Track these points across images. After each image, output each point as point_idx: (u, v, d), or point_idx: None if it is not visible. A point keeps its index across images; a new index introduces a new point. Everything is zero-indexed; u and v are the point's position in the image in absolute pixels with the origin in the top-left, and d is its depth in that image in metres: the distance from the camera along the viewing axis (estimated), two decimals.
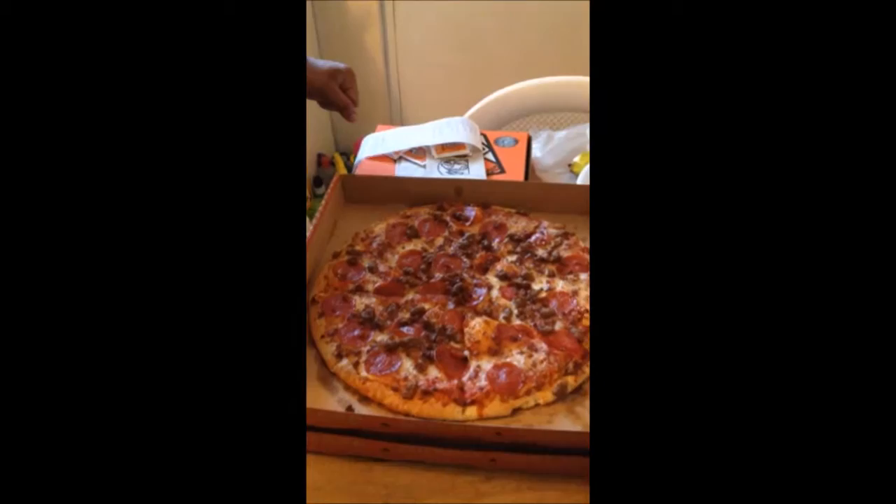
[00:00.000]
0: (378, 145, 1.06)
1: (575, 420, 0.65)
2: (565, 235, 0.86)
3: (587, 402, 0.67)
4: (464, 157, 1.03)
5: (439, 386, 0.67)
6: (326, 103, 1.01)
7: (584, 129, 1.17)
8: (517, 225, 0.89)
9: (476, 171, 1.00)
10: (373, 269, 0.82)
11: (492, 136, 1.09)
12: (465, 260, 0.83)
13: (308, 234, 0.81)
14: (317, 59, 1.00)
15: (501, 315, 0.75)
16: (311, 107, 1.02)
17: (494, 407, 0.65)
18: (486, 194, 0.93)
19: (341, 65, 1.01)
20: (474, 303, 0.77)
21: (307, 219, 1.29)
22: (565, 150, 1.15)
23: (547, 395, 0.67)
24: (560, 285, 0.79)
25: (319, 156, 2.49)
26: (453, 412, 0.65)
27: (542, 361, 0.69)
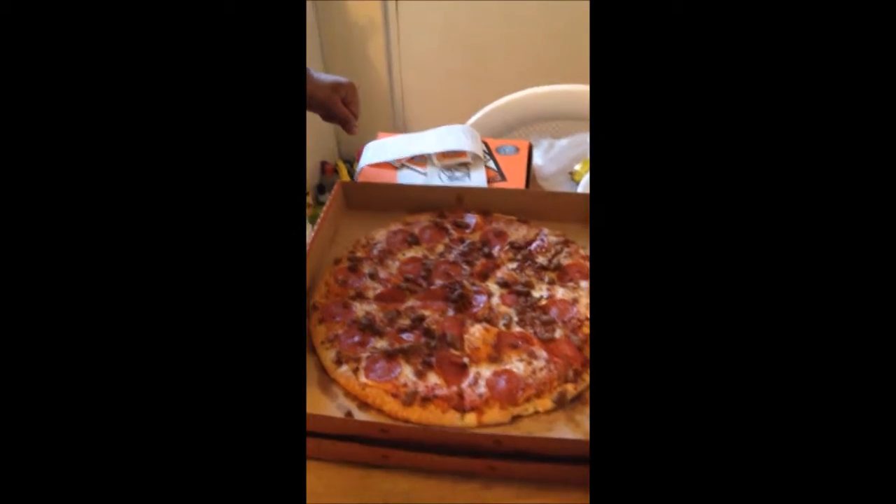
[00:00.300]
0: (379, 152, 1.07)
1: (575, 428, 0.65)
2: (566, 243, 0.86)
3: (587, 411, 0.67)
4: (465, 164, 1.04)
5: (438, 392, 0.67)
6: (328, 116, 1.02)
7: (586, 138, 1.17)
8: (518, 232, 0.89)
9: (477, 178, 1.00)
10: (373, 276, 0.82)
11: (493, 143, 1.09)
12: (465, 267, 0.83)
13: (309, 240, 0.81)
14: (321, 73, 1.01)
15: (501, 322, 0.75)
16: (315, 116, 1.03)
17: (494, 414, 0.65)
18: (486, 202, 0.93)
19: (343, 79, 1.02)
20: (474, 310, 0.77)
21: (310, 225, 1.30)
22: (567, 159, 1.15)
23: (546, 403, 0.67)
24: (560, 293, 0.79)
25: (323, 163, 2.50)
26: (452, 419, 0.65)
27: (541, 369, 0.69)
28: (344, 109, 1.01)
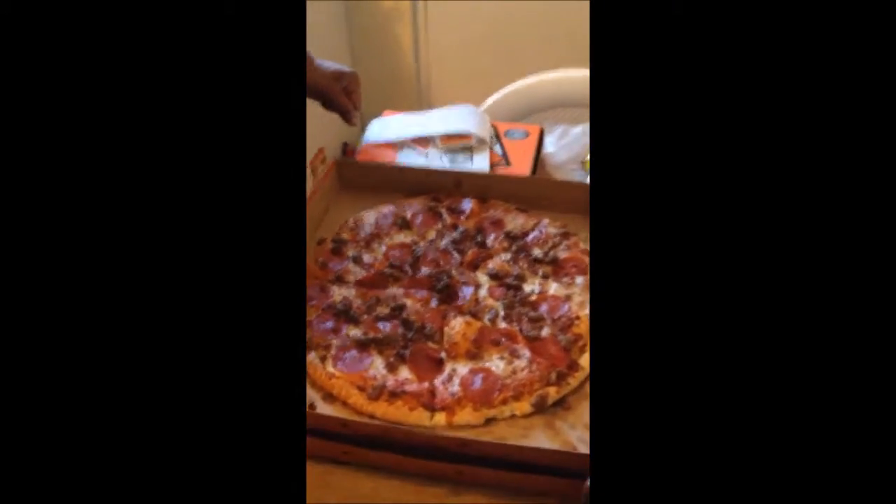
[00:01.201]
0: (382, 131, 1.02)
1: (553, 436, 0.60)
2: (565, 235, 0.81)
3: (569, 417, 0.62)
4: (469, 147, 0.98)
5: (408, 388, 0.62)
6: (329, 106, 0.97)
7: None
8: (515, 221, 0.83)
9: (480, 162, 0.95)
10: (357, 260, 0.77)
11: (501, 127, 1.04)
12: (455, 255, 0.78)
13: None
14: (324, 61, 0.96)
15: (486, 316, 0.70)
16: None
17: (465, 415, 0.61)
18: (486, 187, 0.87)
19: (347, 68, 0.97)
20: (459, 302, 0.72)
21: None
22: (580, 146, 1.08)
23: (524, 407, 0.62)
24: (553, 288, 0.73)
25: (345, 145, 2.47)
26: (420, 417, 0.61)
27: (523, 369, 0.64)
28: (345, 100, 0.96)
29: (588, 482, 0.57)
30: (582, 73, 1.33)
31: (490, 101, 1.34)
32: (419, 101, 2.37)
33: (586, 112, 1.33)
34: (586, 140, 1.09)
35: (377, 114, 1.09)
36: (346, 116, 0.97)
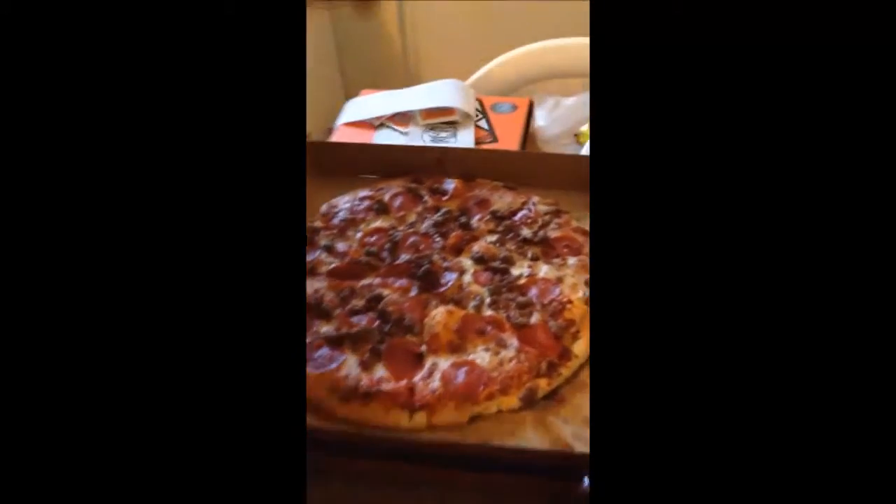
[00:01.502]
0: (359, 110, 0.96)
1: (543, 433, 0.54)
2: (556, 213, 0.74)
3: (562, 411, 0.56)
4: (452, 123, 0.92)
5: (384, 387, 0.56)
6: None
7: None
8: (502, 200, 0.77)
9: (464, 139, 0.89)
10: (330, 249, 0.72)
11: (487, 101, 0.97)
12: (437, 239, 0.72)
13: None
14: None
15: (471, 304, 0.64)
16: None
17: (447, 414, 0.55)
18: (470, 165, 0.81)
19: None
20: (442, 289, 0.66)
21: None
22: (573, 119, 1.02)
23: (512, 401, 0.56)
24: (543, 270, 0.67)
25: (330, 130, 2.40)
26: (398, 418, 0.55)
27: (510, 360, 0.58)
28: None
29: (585, 484, 0.52)
30: (574, 42, 1.26)
31: (477, 74, 1.27)
32: (408, 83, 2.30)
33: (579, 82, 1.26)
34: (580, 112, 1.02)
35: None
36: None
